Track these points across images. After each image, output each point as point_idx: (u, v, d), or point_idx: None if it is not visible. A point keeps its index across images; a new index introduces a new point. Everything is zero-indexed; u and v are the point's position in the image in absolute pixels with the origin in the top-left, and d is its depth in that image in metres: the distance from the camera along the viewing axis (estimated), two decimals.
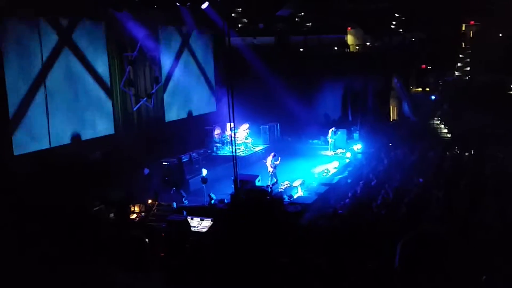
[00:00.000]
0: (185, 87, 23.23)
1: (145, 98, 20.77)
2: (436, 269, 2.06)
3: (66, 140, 17.34)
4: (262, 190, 15.61)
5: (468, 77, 26.19)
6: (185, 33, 23.13)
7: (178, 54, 22.94)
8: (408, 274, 2.09)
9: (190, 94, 23.74)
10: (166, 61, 22.03)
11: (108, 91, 19.17)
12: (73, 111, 17.63)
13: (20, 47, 15.61)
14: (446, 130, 24.46)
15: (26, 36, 15.84)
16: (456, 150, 19.54)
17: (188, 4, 20.94)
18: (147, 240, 3.18)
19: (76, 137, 17.70)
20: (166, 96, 22.20)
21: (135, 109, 20.40)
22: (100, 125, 18.83)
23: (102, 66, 18.88)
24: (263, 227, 2.00)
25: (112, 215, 14.65)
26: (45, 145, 16.45)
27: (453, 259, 2.09)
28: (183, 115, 23.30)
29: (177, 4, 20.82)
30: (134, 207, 15.28)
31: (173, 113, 22.67)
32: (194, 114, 23.85)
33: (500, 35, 27.44)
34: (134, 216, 15.11)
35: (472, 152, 18.65)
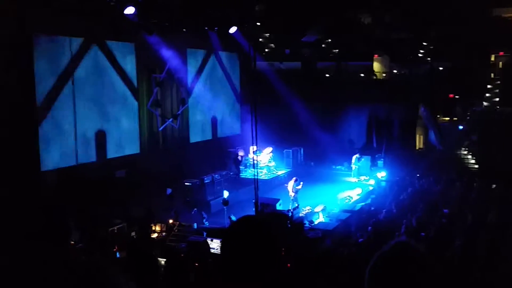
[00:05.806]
0: (211, 109, 23.53)
1: (171, 119, 21.09)
2: None
3: (93, 157, 17.66)
4: (283, 214, 15.55)
5: (497, 108, 25.79)
6: (213, 57, 23.52)
7: (205, 77, 23.30)
8: None
9: (216, 116, 24.01)
10: (193, 83, 22.40)
11: (136, 111, 19.59)
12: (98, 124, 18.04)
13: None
14: (473, 161, 24.01)
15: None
16: (483, 182, 19.13)
17: (216, 28, 21.33)
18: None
19: (102, 155, 18.02)
20: (191, 117, 22.51)
21: (161, 129, 20.72)
22: (126, 143, 19.14)
23: (131, 86, 19.34)
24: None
25: (133, 233, 14.78)
26: (72, 162, 16.78)
27: (434, 276, 1.88)
28: (208, 136, 23.54)
29: (205, 28, 21.23)
30: (155, 226, 15.38)
31: (198, 134, 22.91)
32: (219, 135, 24.08)
33: None
34: (155, 235, 15.20)
35: (499, 185, 18.23)
